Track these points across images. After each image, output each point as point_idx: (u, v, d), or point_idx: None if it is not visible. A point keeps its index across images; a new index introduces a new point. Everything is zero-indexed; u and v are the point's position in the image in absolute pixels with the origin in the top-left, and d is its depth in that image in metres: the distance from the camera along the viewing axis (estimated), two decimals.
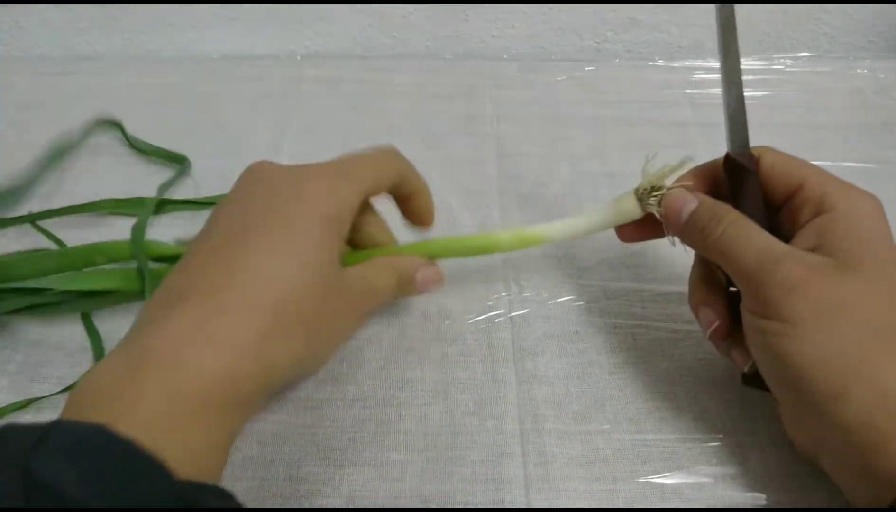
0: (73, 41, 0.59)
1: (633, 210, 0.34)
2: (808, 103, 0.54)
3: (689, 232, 0.32)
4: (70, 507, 0.20)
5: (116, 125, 0.50)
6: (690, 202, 0.32)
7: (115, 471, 0.21)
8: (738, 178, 0.33)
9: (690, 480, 0.32)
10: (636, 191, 0.34)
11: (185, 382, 0.24)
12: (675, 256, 0.42)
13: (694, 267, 0.35)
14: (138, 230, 0.39)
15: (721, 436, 0.34)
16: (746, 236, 0.30)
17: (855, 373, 0.26)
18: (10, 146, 0.49)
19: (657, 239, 0.35)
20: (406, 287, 0.34)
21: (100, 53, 0.60)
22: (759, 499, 0.32)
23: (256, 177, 0.31)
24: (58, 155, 0.48)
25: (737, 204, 0.32)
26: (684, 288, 0.40)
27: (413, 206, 0.36)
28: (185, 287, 0.27)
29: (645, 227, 0.35)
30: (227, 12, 0.57)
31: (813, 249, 0.29)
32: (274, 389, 0.28)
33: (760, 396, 0.35)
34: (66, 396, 0.29)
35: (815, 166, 0.32)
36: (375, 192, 0.33)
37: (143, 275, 0.37)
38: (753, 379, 0.32)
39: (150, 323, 0.26)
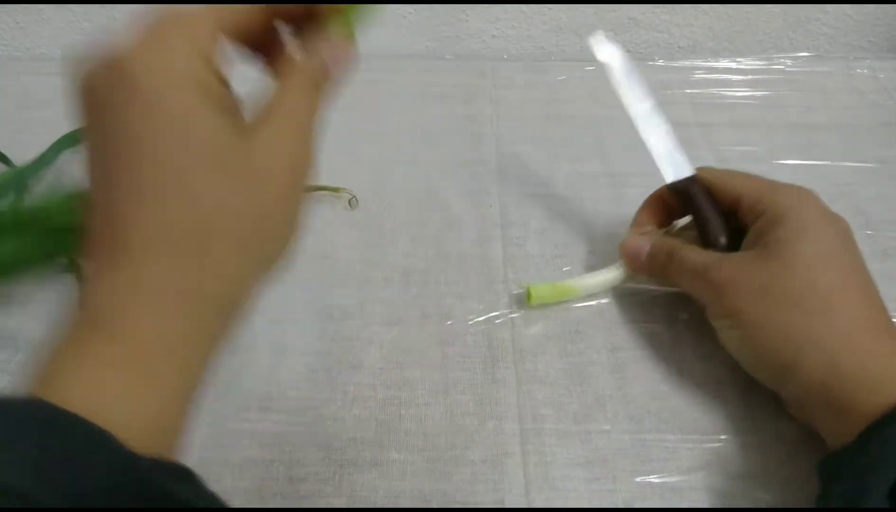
0: (73, 41, 0.59)
1: None
2: (808, 103, 0.54)
3: (650, 267, 0.38)
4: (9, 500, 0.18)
5: None
6: (644, 245, 0.37)
7: (54, 449, 0.19)
8: (686, 202, 0.37)
9: (690, 480, 0.32)
10: None
11: (125, 344, 0.22)
12: None
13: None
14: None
15: (721, 436, 0.34)
16: (686, 259, 0.35)
17: (799, 343, 0.30)
18: (11, 146, 0.49)
19: None
20: (322, 83, 0.28)
21: None
22: (760, 499, 0.32)
23: (92, 103, 0.25)
24: (64, 146, 0.48)
25: (695, 221, 0.37)
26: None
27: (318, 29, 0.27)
28: (98, 243, 0.23)
29: None
30: None
31: (753, 248, 0.33)
32: (226, 310, 0.24)
33: (761, 396, 0.35)
34: None
35: (749, 178, 0.35)
36: (243, 19, 0.26)
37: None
38: None
39: (88, 285, 0.23)
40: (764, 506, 0.32)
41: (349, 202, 0.45)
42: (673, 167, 0.38)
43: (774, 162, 0.49)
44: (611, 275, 0.39)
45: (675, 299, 0.40)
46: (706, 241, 0.36)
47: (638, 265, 0.38)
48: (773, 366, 0.31)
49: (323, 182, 0.46)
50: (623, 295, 0.40)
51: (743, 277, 0.32)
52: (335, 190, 0.46)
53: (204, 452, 0.33)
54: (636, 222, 0.40)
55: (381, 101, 0.54)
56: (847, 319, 0.30)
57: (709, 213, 0.36)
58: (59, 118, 0.50)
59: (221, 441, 0.34)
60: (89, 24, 0.58)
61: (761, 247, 0.32)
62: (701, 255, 0.34)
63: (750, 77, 0.56)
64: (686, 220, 0.39)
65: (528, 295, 0.39)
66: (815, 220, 0.32)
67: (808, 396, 0.30)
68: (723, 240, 0.35)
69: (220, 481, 0.32)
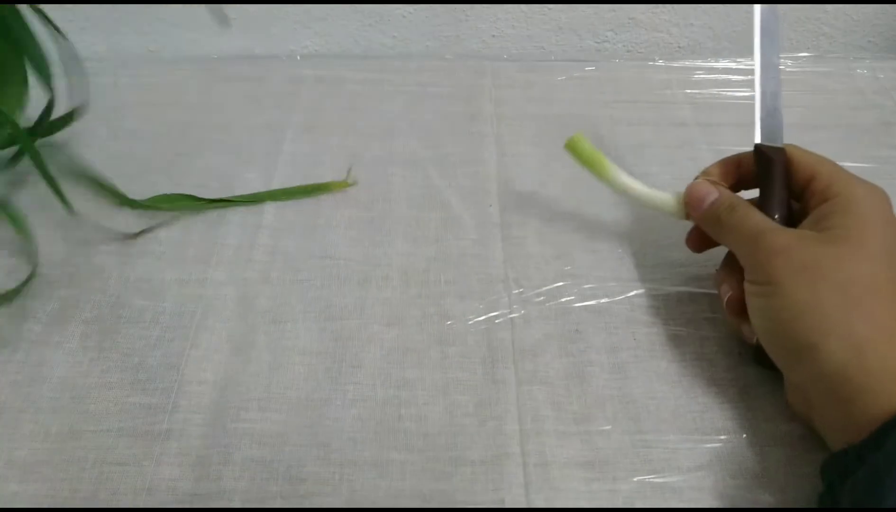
0: (73, 41, 0.59)
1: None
2: (808, 103, 0.54)
3: (705, 216, 0.36)
4: None
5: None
6: (712, 193, 0.36)
7: None
8: (765, 168, 0.36)
9: (690, 480, 0.32)
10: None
11: None
12: (675, 258, 0.42)
13: (726, 256, 0.37)
14: None
15: (721, 436, 0.34)
16: (748, 216, 0.34)
17: (830, 327, 0.29)
18: None
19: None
20: None
21: (100, 53, 0.60)
22: (760, 499, 0.32)
23: None
24: None
25: (763, 190, 0.36)
26: (684, 289, 0.40)
27: None
28: None
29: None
30: (227, 12, 0.57)
31: (811, 230, 0.32)
32: None
33: (761, 396, 0.35)
34: None
35: (829, 162, 0.35)
36: None
37: None
38: (764, 356, 0.33)
39: None
40: (764, 506, 0.32)
41: (347, 178, 0.46)
42: (766, 131, 0.37)
43: None
44: (657, 195, 0.38)
45: (675, 300, 0.40)
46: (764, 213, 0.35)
47: (696, 209, 0.37)
48: (796, 344, 0.31)
49: (324, 181, 0.46)
50: (623, 295, 0.40)
51: (798, 249, 0.31)
52: (339, 185, 0.46)
53: (204, 452, 0.33)
54: (705, 173, 0.39)
55: (381, 101, 0.54)
56: (887, 314, 0.30)
57: (778, 187, 0.36)
58: None
59: (221, 441, 0.34)
60: (89, 24, 0.58)
61: (823, 230, 0.32)
62: (762, 218, 0.34)
63: (750, 77, 0.56)
64: (752, 197, 0.38)
65: (570, 139, 0.39)
66: (884, 218, 0.32)
67: (821, 383, 0.30)
68: (778, 217, 0.35)
69: (220, 481, 0.32)
